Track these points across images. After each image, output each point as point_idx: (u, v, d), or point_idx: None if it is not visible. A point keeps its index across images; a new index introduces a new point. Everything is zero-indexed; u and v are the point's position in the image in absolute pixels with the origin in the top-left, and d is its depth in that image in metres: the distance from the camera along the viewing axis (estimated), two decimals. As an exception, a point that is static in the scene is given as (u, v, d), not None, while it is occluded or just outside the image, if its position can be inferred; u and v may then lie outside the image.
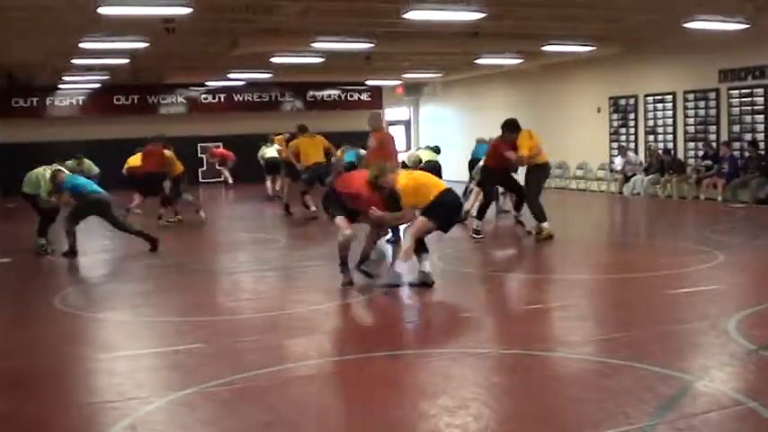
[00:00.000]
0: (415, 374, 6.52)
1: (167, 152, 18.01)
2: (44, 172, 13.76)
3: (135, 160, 20.69)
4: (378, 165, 9.95)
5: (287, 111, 32.02)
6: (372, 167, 9.91)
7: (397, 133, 34.83)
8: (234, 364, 6.72)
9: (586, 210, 20.81)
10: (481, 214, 14.40)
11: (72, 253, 13.24)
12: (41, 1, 13.92)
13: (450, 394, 5.84)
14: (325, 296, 9.75)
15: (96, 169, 22.85)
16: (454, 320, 8.49)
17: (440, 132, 30.91)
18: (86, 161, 23.11)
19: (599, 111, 24.29)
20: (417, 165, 17.59)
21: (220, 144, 29.90)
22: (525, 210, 14.38)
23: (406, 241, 9.73)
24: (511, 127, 14.11)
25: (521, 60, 22.79)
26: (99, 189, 13.79)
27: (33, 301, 9.98)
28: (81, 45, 17.26)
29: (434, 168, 18.49)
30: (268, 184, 23.58)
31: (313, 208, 17.40)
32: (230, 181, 28.89)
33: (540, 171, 14.20)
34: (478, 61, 23.19)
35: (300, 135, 18.80)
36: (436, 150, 20.12)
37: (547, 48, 19.85)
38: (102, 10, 13.04)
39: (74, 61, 21.29)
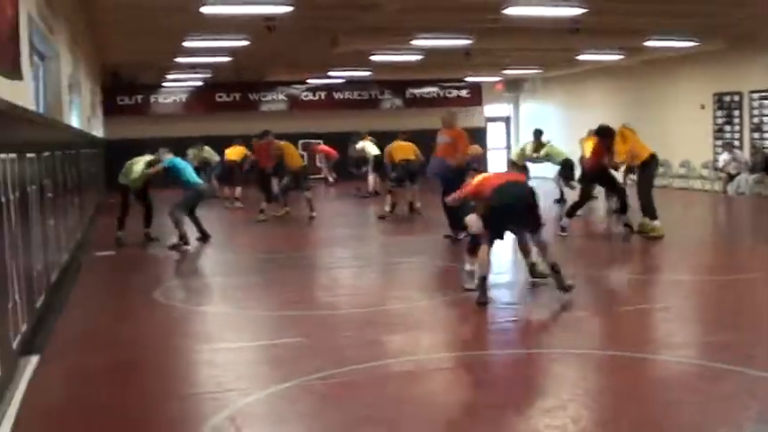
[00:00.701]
0: (514, 374, 6.48)
1: (282, 143, 18.23)
2: (138, 160, 14.36)
3: (233, 153, 21.14)
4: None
5: (386, 108, 32.12)
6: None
7: (497, 130, 34.74)
8: (332, 358, 6.76)
9: (689, 209, 20.42)
10: (572, 212, 14.26)
11: (181, 245, 13.52)
12: (145, 2, 14.22)
13: (549, 395, 5.80)
14: (424, 293, 9.76)
15: (217, 157, 23.30)
16: (553, 321, 8.41)
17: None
18: (207, 148, 23.64)
19: (702, 107, 23.77)
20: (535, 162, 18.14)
21: (321, 141, 30.12)
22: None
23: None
24: (604, 134, 13.93)
25: (622, 56, 22.47)
26: (197, 180, 14.23)
27: (135, 293, 10.21)
28: (184, 44, 17.58)
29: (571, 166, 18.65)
30: (370, 179, 23.70)
31: (387, 208, 17.58)
32: (331, 179, 29.06)
33: (645, 168, 14.01)
34: (579, 57, 22.96)
35: (396, 141, 19.15)
36: (539, 133, 20.20)
37: (649, 43, 19.51)
38: (205, 9, 13.27)
39: (177, 60, 21.69)
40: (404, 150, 18.47)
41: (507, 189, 8.90)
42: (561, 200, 19.04)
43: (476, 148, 15.02)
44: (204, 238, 14.13)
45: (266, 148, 18.20)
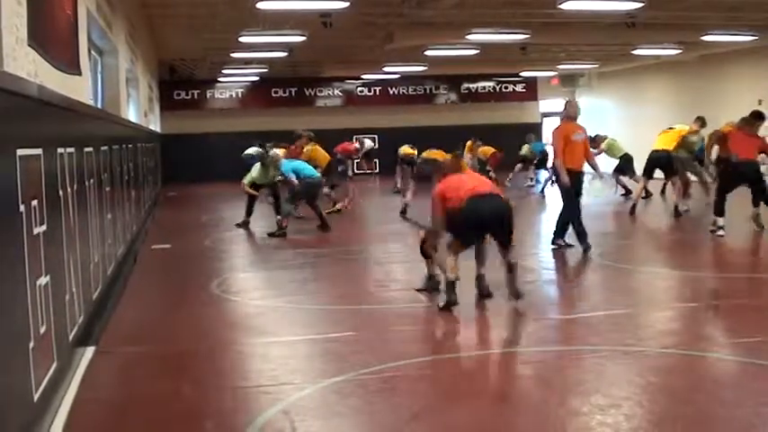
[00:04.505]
0: (567, 371, 6.42)
1: (310, 146, 18.13)
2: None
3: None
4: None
5: (441, 103, 32.09)
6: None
7: (553, 125, 34.52)
8: (385, 352, 6.78)
9: (743, 207, 20.08)
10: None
11: (282, 234, 14.29)
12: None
13: (603, 392, 5.74)
14: (476, 289, 9.72)
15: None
16: (609, 317, 8.32)
17: (595, 124, 30.37)
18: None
19: (760, 103, 23.40)
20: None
21: (375, 136, 30.09)
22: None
23: None
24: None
25: (679, 51, 22.21)
26: (314, 173, 15.15)
27: (191, 286, 10.31)
28: (240, 39, 17.69)
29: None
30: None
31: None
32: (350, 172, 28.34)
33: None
34: (635, 52, 22.74)
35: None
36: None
37: (706, 38, 19.26)
38: (262, 5, 13.35)
39: (233, 55, 21.83)
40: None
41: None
42: (627, 193, 19.16)
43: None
44: (324, 227, 14.83)
45: (298, 152, 18.04)
